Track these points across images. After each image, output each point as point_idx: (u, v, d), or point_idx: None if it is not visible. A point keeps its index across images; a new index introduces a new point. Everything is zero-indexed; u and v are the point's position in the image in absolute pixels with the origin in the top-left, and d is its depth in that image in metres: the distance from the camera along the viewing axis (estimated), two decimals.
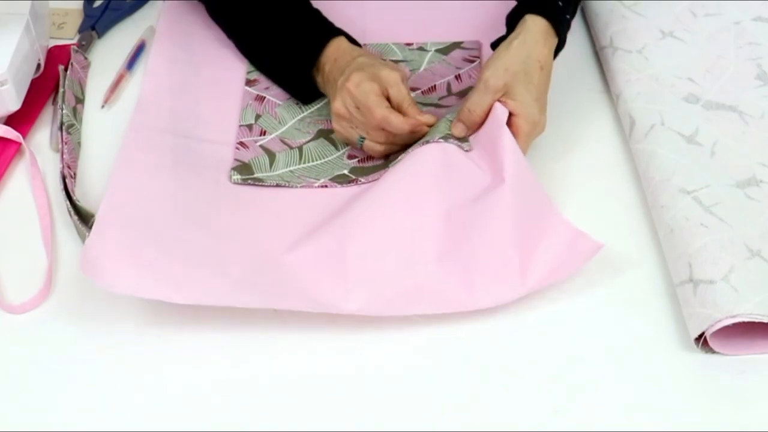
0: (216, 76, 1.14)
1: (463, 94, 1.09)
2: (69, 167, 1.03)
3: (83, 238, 0.96)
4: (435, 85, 1.11)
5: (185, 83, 1.13)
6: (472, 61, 1.14)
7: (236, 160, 1.04)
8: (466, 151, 0.98)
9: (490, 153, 0.96)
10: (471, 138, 0.99)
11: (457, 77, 1.12)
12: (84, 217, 0.99)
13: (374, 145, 1.01)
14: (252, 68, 1.14)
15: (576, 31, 1.17)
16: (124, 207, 0.95)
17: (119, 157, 1.02)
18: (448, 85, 1.11)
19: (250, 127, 1.08)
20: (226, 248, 0.93)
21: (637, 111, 1.03)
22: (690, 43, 1.12)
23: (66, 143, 1.05)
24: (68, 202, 0.99)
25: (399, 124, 0.98)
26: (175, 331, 0.90)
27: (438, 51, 1.15)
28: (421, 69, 1.13)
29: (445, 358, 0.88)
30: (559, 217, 0.93)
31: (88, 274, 0.88)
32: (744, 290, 0.85)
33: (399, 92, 0.99)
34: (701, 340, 0.85)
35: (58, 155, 1.05)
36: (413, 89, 1.10)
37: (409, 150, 0.98)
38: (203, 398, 0.85)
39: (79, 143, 1.08)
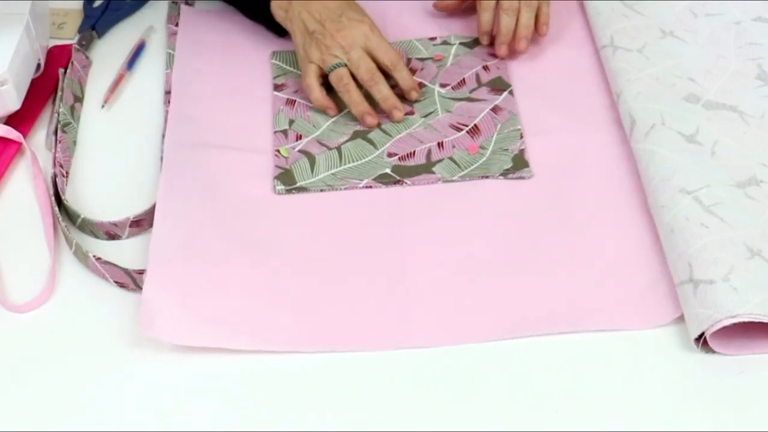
0: (243, 83, 1.12)
1: (494, 84, 1.09)
2: (62, 166, 1.03)
3: (71, 245, 0.96)
4: (464, 78, 1.10)
5: (213, 94, 1.11)
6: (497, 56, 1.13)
7: (277, 167, 1.02)
8: (528, 178, 1.00)
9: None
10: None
11: (485, 68, 1.10)
12: (71, 217, 0.99)
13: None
14: (279, 72, 1.12)
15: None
16: (173, 241, 0.95)
17: (162, 183, 1.00)
18: (477, 76, 1.10)
19: (285, 132, 1.05)
20: (282, 284, 0.92)
21: (638, 110, 1.03)
22: (690, 42, 1.12)
23: (60, 142, 1.05)
24: (56, 208, 0.99)
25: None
26: None
27: (462, 44, 1.14)
28: (449, 64, 1.12)
29: (444, 357, 0.88)
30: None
31: (150, 334, 0.87)
32: (744, 290, 0.86)
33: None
34: (701, 341, 0.86)
35: (51, 157, 1.04)
36: (443, 85, 1.09)
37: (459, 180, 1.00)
38: (205, 397, 0.85)
39: (74, 141, 1.08)
